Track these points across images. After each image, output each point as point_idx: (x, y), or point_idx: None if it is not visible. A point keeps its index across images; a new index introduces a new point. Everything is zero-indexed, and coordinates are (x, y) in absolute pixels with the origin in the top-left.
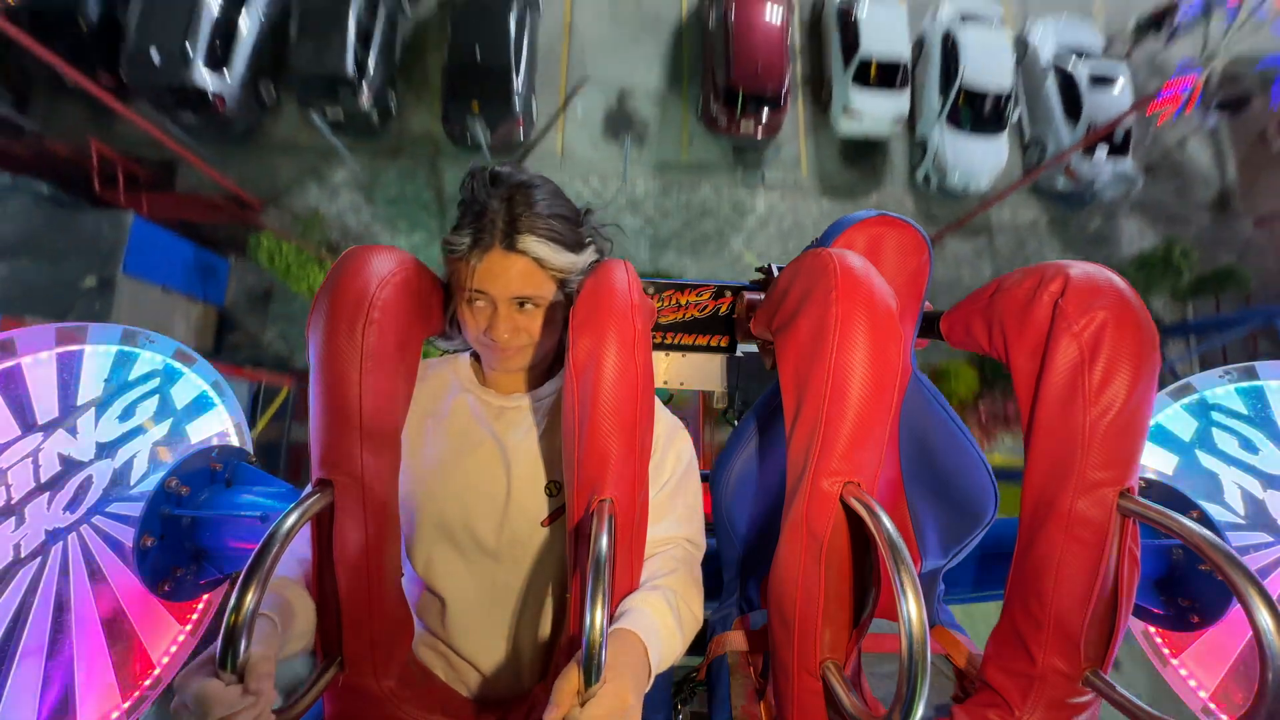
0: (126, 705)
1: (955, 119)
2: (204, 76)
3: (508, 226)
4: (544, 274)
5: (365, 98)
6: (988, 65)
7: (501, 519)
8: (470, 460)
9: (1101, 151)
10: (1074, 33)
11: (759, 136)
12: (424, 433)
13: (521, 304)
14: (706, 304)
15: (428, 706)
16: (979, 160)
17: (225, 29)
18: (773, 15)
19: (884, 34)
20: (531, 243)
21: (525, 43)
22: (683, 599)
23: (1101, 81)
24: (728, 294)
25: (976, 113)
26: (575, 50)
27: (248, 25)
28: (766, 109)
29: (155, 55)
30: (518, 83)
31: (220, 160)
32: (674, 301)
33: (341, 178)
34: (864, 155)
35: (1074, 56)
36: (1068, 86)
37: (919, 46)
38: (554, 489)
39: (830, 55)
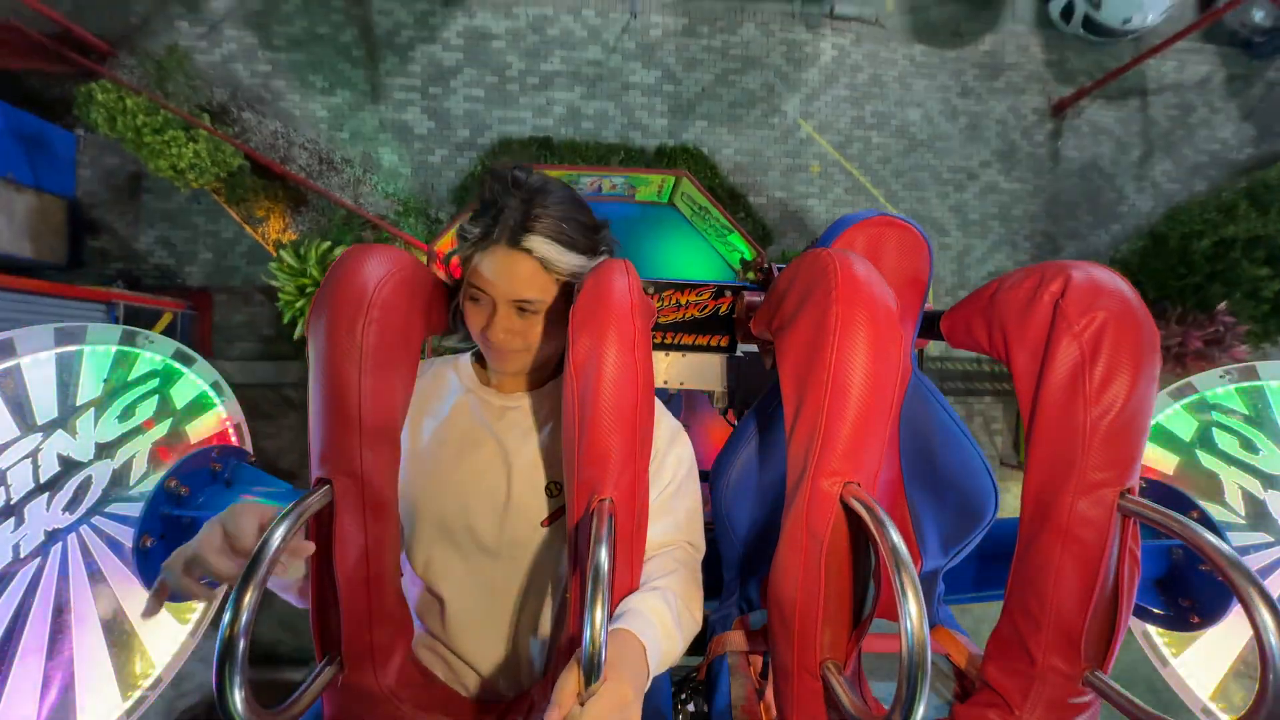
0: (126, 705)
1: None
2: None
3: (518, 224)
4: (548, 277)
5: None
6: None
7: (502, 519)
8: (471, 460)
9: None
10: None
11: None
12: (424, 432)
13: (521, 308)
14: (706, 304)
15: (428, 706)
16: None
17: None
18: None
19: None
20: (538, 242)
21: None
22: (682, 600)
23: None
24: (728, 294)
25: None
26: None
27: None
28: None
29: None
30: None
31: None
32: (674, 301)
33: (222, 7)
34: None
35: None
36: None
37: None
38: (554, 489)
39: None
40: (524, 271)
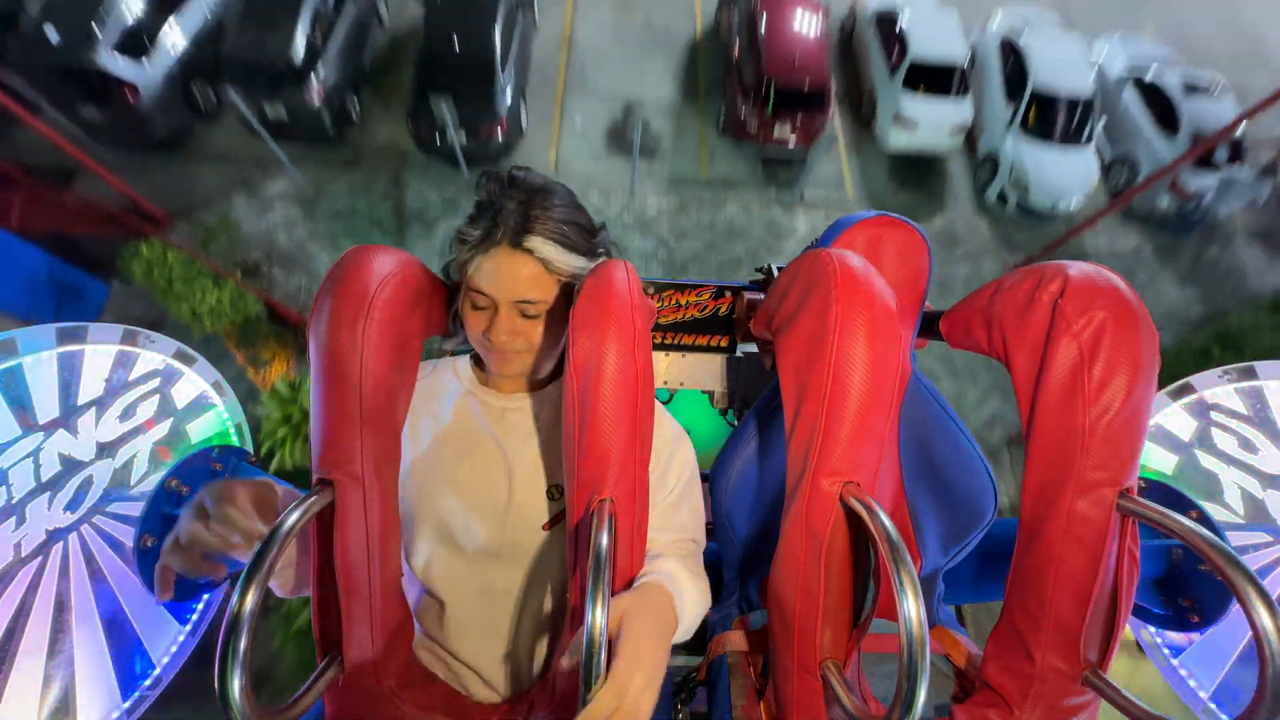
0: (126, 705)
1: (1030, 131)
2: (113, 61)
3: (519, 225)
4: (550, 278)
5: (315, 93)
6: (1061, 68)
7: (503, 523)
8: (471, 463)
9: (1220, 158)
10: (1140, 46)
11: (794, 145)
12: (424, 435)
13: (524, 310)
14: (706, 304)
15: (428, 706)
16: (1067, 174)
17: (152, 14)
18: (807, 6)
19: (935, 37)
20: (540, 243)
21: (515, 37)
22: (695, 574)
23: (1196, 90)
24: (728, 294)
25: (1050, 123)
26: (575, 63)
27: (186, 17)
28: (803, 111)
29: (52, 33)
30: (502, 78)
31: (132, 169)
32: (674, 301)
33: (279, 189)
34: (918, 174)
35: (1154, 65)
36: (1155, 97)
37: (970, 60)
38: (555, 493)
39: (871, 64)
40: (526, 273)
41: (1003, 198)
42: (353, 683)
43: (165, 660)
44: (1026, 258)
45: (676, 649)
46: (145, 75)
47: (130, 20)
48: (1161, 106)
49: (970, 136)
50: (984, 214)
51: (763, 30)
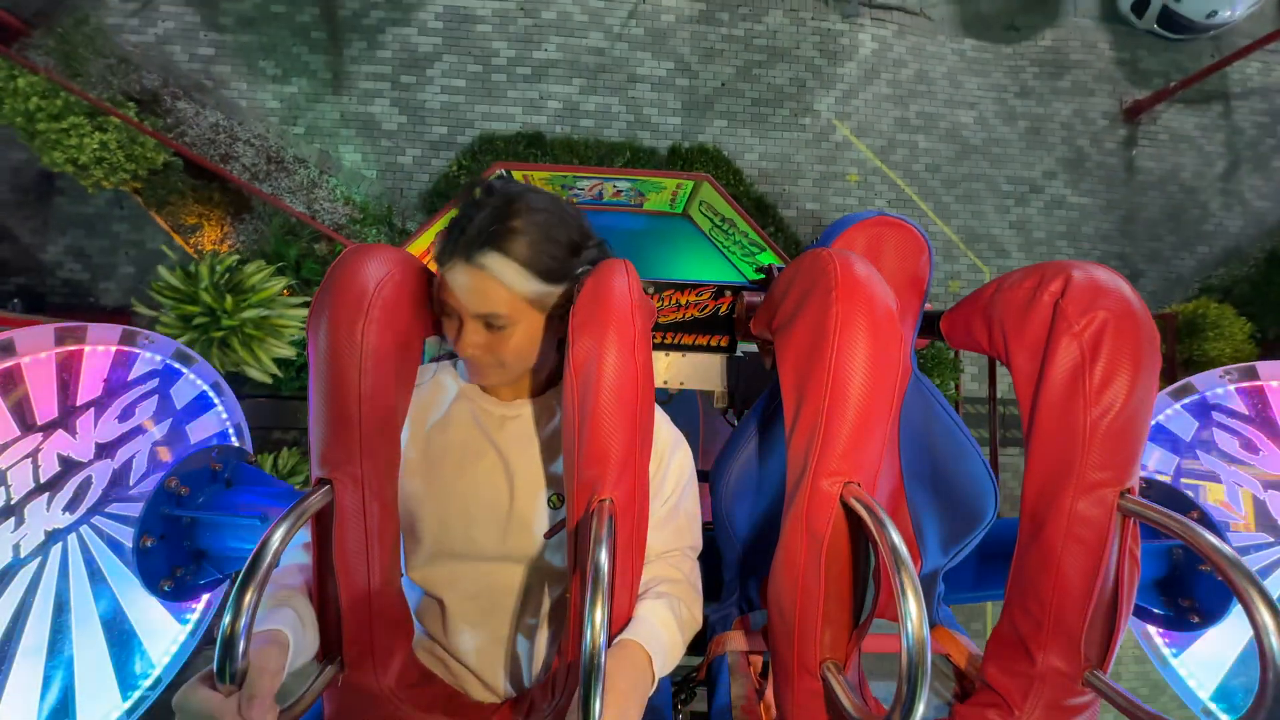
0: (126, 705)
1: None
2: None
3: (476, 238)
4: (514, 295)
5: None
6: None
7: (503, 532)
8: (472, 472)
9: None
10: None
11: None
12: (424, 441)
13: (489, 322)
14: (706, 304)
15: (428, 706)
16: None
17: None
18: None
19: None
20: (496, 260)
21: None
22: (684, 604)
23: None
24: (728, 294)
25: None
26: None
27: None
28: None
29: None
30: None
31: None
32: (674, 301)
33: None
34: None
35: None
36: None
37: None
38: (556, 501)
39: None
40: (484, 287)
41: (1141, 4)
42: (353, 683)
43: (165, 660)
44: (1154, 94)
45: None
46: None
47: None
48: None
49: None
50: (1110, 28)
51: None
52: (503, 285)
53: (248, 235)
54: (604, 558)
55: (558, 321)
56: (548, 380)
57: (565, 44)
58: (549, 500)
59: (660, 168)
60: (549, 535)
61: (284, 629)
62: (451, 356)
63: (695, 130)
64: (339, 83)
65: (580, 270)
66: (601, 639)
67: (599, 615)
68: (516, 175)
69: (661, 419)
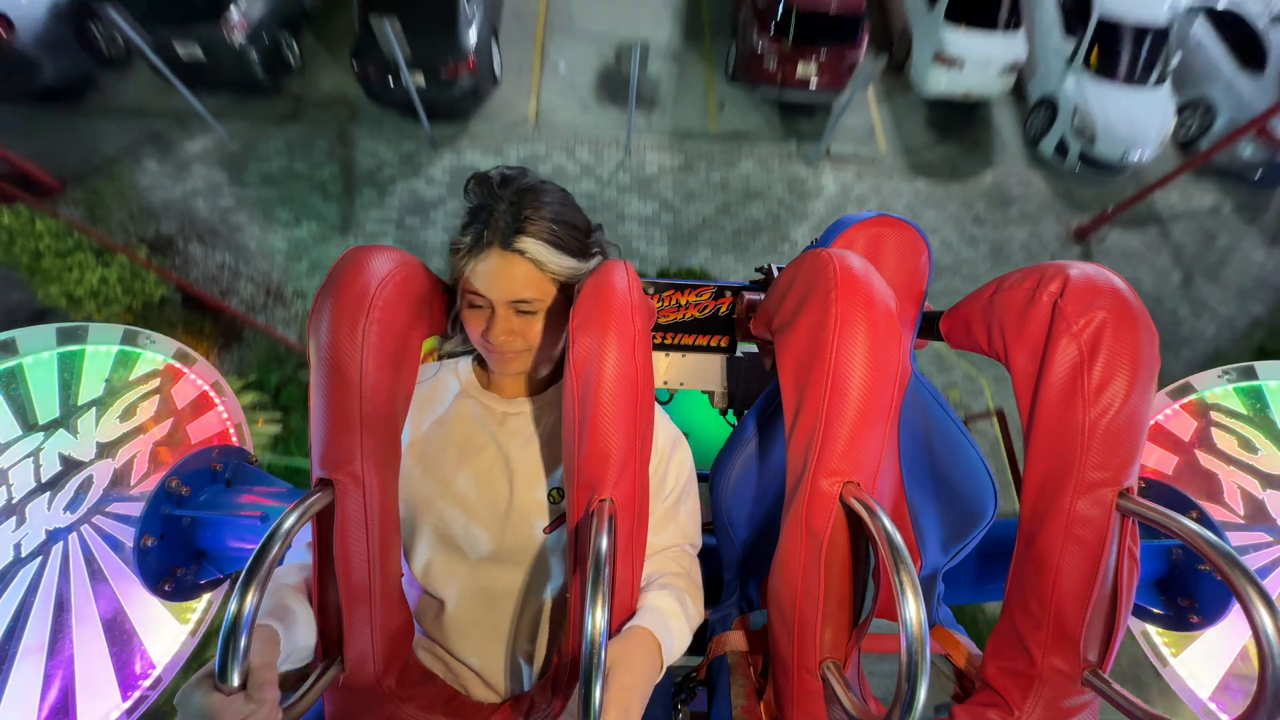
0: (126, 705)
1: (1095, 69)
2: None
3: (509, 226)
4: (544, 277)
5: (235, 28)
6: None
7: (503, 527)
8: (472, 467)
9: None
10: None
11: (818, 86)
12: (425, 438)
13: (519, 309)
14: (706, 304)
15: (428, 706)
16: (1139, 119)
17: None
18: None
19: None
20: (531, 244)
21: None
22: (689, 595)
23: None
24: (728, 294)
25: (1118, 59)
26: (556, 2)
27: None
28: (831, 44)
29: None
30: (467, 6)
31: (12, 126)
32: (674, 301)
33: (199, 149)
34: (960, 123)
35: None
36: (1233, 28)
37: None
38: (556, 496)
39: None
40: (519, 273)
41: (1062, 148)
42: (353, 683)
43: (165, 660)
44: (1095, 218)
45: None
46: (20, 6)
47: None
48: (1241, 38)
49: (1018, 79)
50: (1039, 168)
51: None
52: (536, 268)
53: (233, 364)
54: (604, 557)
55: (565, 304)
56: (548, 379)
57: None
58: (549, 495)
59: None
60: (548, 530)
61: (273, 624)
62: (452, 355)
63: (681, 258)
64: (347, 225)
65: (594, 250)
66: (602, 638)
67: (599, 614)
68: None
69: (661, 418)
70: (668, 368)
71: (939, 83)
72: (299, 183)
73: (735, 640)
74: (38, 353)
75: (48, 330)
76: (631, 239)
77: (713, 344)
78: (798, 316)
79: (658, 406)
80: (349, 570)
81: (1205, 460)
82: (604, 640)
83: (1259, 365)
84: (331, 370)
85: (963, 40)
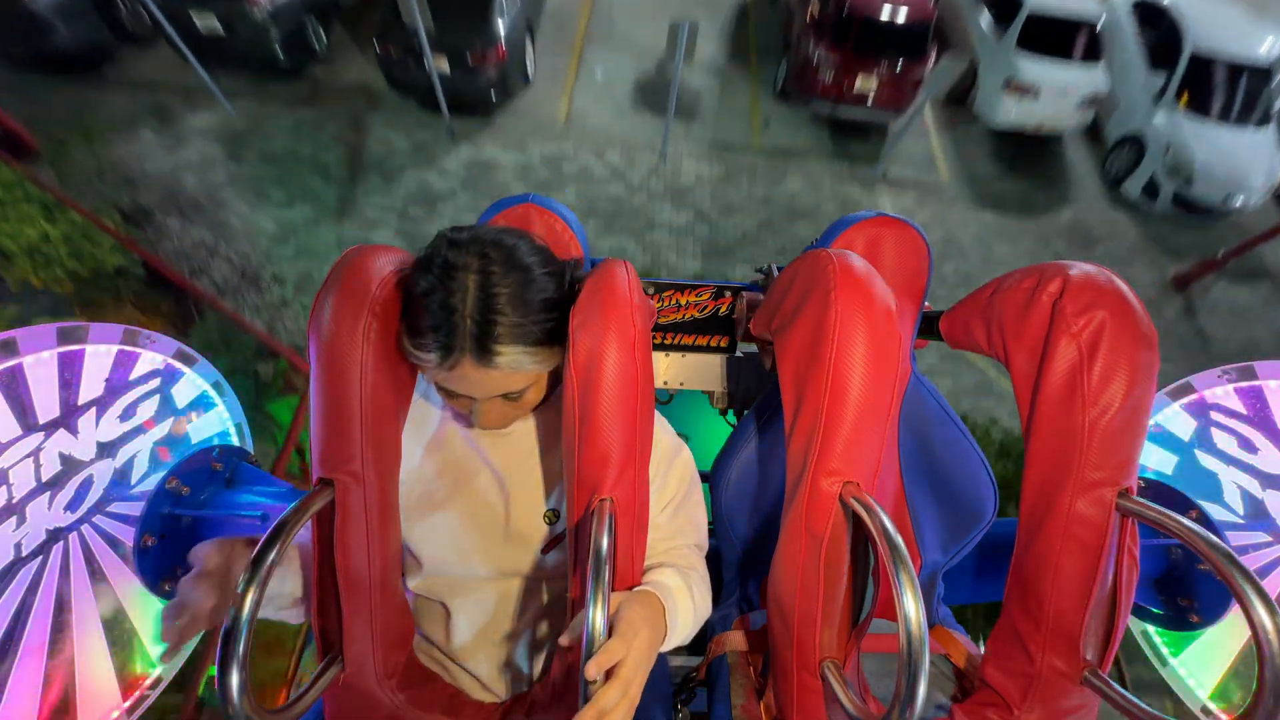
0: (126, 705)
1: (1189, 107)
2: None
3: (480, 332)
4: (527, 373)
5: (259, 5)
6: (1226, 27)
7: (500, 549)
8: (467, 493)
9: None
10: None
11: (875, 103)
12: (416, 461)
13: (507, 395)
14: (706, 304)
15: (428, 706)
16: (1242, 161)
17: None
18: None
19: None
20: (510, 354)
21: None
22: (696, 584)
23: None
24: (728, 294)
25: (1216, 97)
26: (600, 7)
27: None
28: (895, 56)
29: None
30: None
31: (18, 87)
32: (674, 301)
33: (202, 124)
34: (1028, 157)
35: None
36: None
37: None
38: (553, 517)
39: (970, 23)
40: (501, 377)
41: (1152, 189)
42: (353, 683)
43: (165, 660)
44: (1199, 265)
45: (676, 649)
46: None
47: None
48: None
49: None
50: (1122, 209)
51: None
52: (518, 372)
53: (197, 345)
54: (604, 557)
55: (554, 374)
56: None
57: (584, 191)
58: (545, 516)
59: None
60: (545, 551)
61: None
62: None
63: (716, 274)
64: (344, 210)
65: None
66: (601, 639)
67: (599, 615)
68: None
69: (662, 425)
70: (668, 368)
71: (1009, 112)
72: (300, 164)
73: (735, 640)
74: (38, 353)
75: (48, 330)
76: (661, 248)
77: (713, 344)
78: (798, 316)
79: (658, 414)
80: (349, 570)
81: (1205, 460)
82: (604, 641)
83: (1259, 365)
84: (332, 369)
85: (1038, 69)
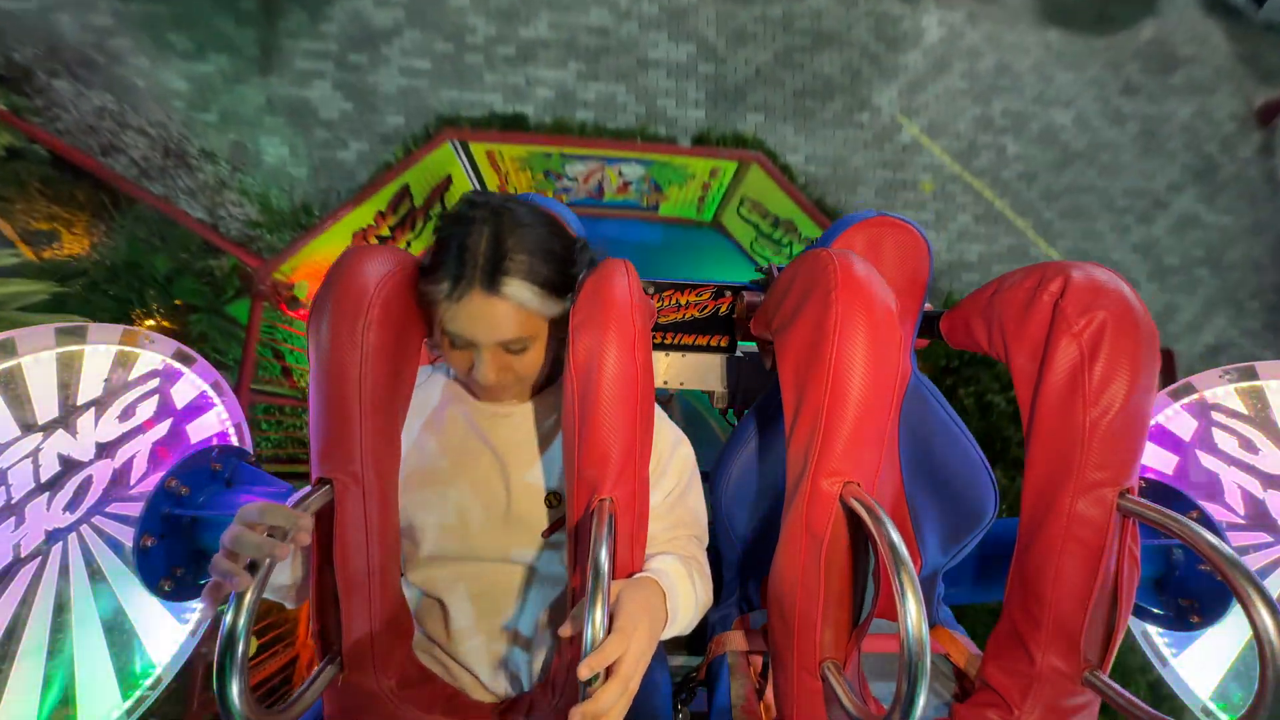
0: (127, 705)
1: None
2: None
3: (490, 265)
4: (530, 317)
5: None
6: None
7: (501, 533)
8: (468, 474)
9: None
10: None
11: None
12: (419, 445)
13: (509, 346)
14: (706, 304)
15: (427, 706)
16: None
17: None
18: None
19: None
20: (516, 286)
21: None
22: (697, 574)
23: None
24: (728, 294)
25: None
26: None
27: None
28: None
29: None
30: None
31: None
32: (674, 301)
33: None
34: None
35: None
36: None
37: None
38: (554, 500)
39: None
40: (506, 313)
41: None
42: (352, 682)
43: (165, 660)
44: None
45: (676, 649)
46: None
47: None
48: None
49: None
50: (1221, 18)
51: None
52: (523, 309)
53: (120, 243)
54: (604, 557)
55: (558, 327)
56: (544, 380)
57: (559, 21)
58: (546, 499)
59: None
60: (547, 534)
61: None
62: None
63: (723, 126)
64: (268, 61)
65: (580, 276)
66: (602, 638)
67: (599, 614)
68: (479, 152)
69: (662, 418)
70: (668, 368)
71: None
72: None
73: (735, 640)
74: (37, 353)
75: (48, 330)
76: (656, 95)
77: (713, 344)
78: (798, 316)
79: (658, 409)
80: (348, 569)
81: (1206, 460)
82: (605, 639)
83: (1259, 365)
84: (331, 369)
85: None
